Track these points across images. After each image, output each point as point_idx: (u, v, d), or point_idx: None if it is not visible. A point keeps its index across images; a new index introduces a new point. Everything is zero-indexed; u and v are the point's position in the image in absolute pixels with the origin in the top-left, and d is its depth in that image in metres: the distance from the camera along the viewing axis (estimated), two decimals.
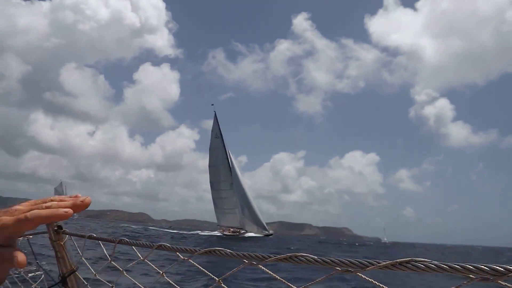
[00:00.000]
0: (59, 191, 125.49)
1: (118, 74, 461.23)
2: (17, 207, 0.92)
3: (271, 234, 61.16)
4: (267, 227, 60.14)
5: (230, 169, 61.48)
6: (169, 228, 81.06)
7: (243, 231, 59.60)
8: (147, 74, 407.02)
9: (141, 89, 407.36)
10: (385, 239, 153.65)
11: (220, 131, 63.54)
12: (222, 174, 62.56)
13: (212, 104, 66.05)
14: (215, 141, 64.01)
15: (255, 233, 58.21)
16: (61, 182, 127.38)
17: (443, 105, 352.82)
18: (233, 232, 60.22)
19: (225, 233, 60.04)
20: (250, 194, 60.92)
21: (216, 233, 60.34)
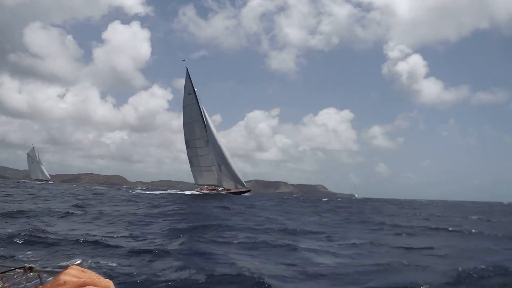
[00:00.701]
0: (31, 156, 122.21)
1: (87, 33, 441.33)
2: (65, 278, 0.91)
3: (249, 190, 60.57)
4: (245, 184, 59.38)
5: (205, 125, 59.72)
6: (146, 190, 79.17)
7: (220, 189, 58.76)
8: (116, 33, 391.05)
9: (111, 48, 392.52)
10: (356, 195, 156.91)
11: (193, 87, 61.15)
12: (197, 131, 60.77)
13: (184, 60, 63.38)
14: (188, 98, 61.69)
15: (232, 189, 57.44)
16: (34, 147, 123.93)
17: (416, 61, 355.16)
18: (210, 190, 59.32)
19: (202, 191, 59.08)
20: (226, 150, 59.69)
21: (194, 192, 59.24)
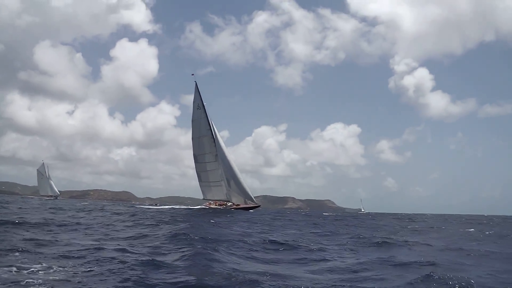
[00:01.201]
0: (41, 171, 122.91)
1: (95, 51, 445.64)
2: None
3: (259, 206, 59.58)
4: (254, 199, 58.44)
5: (214, 140, 59.24)
6: (155, 205, 78.77)
7: (229, 204, 57.96)
8: (124, 50, 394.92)
9: (119, 66, 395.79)
10: (362, 209, 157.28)
11: (202, 101, 60.76)
12: (206, 146, 60.22)
13: (193, 74, 63.73)
14: (197, 112, 61.36)
15: (242, 204, 56.54)
16: (43, 163, 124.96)
17: (422, 75, 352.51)
18: (219, 204, 58.58)
19: (211, 206, 58.38)
20: (235, 165, 58.74)
21: (202, 206, 58.56)
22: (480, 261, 11.43)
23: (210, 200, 61.18)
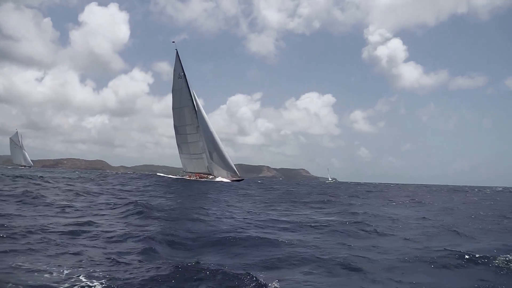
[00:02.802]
0: (14, 141, 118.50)
1: (63, 16, 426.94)
2: None
3: (242, 179, 58.41)
4: (237, 172, 57.05)
5: (196, 111, 57.09)
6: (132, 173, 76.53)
7: (211, 177, 56.51)
8: (93, 15, 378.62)
9: (88, 31, 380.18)
10: (330, 179, 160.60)
11: (183, 70, 58.17)
12: (187, 117, 58.04)
13: (173, 42, 60.58)
14: (178, 82, 58.76)
15: (224, 178, 55.13)
16: (17, 132, 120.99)
17: (396, 46, 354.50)
18: (200, 177, 57.04)
19: (192, 178, 56.77)
20: (218, 136, 56.97)
21: (184, 178, 56.95)
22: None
23: (191, 172, 59.62)
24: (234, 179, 55.17)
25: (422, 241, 9.37)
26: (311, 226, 11.27)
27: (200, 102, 57.09)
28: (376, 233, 10.46)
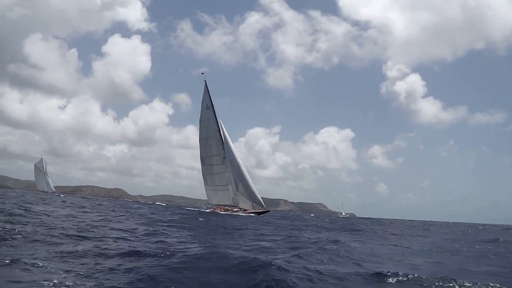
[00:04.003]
0: (39, 167, 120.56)
1: (87, 47, 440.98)
2: None
3: (268, 211, 57.24)
4: (263, 204, 55.99)
5: (223, 142, 56.88)
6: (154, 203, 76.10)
7: (236, 209, 55.53)
8: (116, 46, 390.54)
9: (110, 62, 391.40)
10: (343, 213, 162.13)
11: (211, 101, 58.48)
12: (213, 147, 57.77)
13: (202, 73, 60.67)
14: (206, 112, 58.95)
15: (249, 209, 54.11)
16: (42, 159, 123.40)
17: (414, 81, 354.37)
18: (225, 210, 56.09)
19: (216, 211, 55.82)
20: (244, 167, 56.42)
21: (207, 211, 56.12)
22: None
23: (215, 204, 58.78)
24: (260, 210, 54.17)
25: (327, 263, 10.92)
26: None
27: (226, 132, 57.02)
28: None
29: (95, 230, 15.36)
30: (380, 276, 8.75)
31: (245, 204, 55.40)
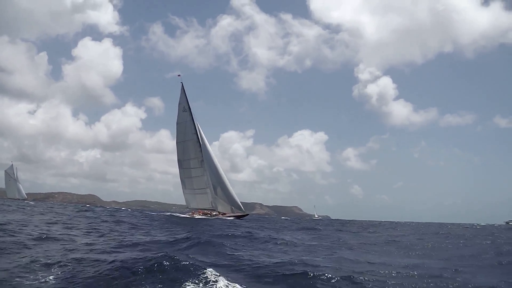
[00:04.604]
0: (9, 174, 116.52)
1: (58, 50, 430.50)
2: None
3: (247, 214, 56.57)
4: (242, 207, 55.30)
5: (200, 144, 56.00)
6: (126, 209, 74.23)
7: (214, 213, 54.65)
8: (87, 49, 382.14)
9: (81, 65, 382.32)
10: (316, 215, 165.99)
11: (188, 104, 57.53)
12: (191, 150, 56.83)
13: (179, 75, 59.59)
14: (183, 115, 57.90)
15: (228, 213, 53.34)
16: (12, 165, 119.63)
17: (385, 84, 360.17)
18: (203, 213, 55.10)
19: (195, 215, 54.74)
20: (222, 171, 55.74)
21: (186, 216, 54.97)
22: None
23: (193, 208, 57.71)
24: (239, 214, 53.45)
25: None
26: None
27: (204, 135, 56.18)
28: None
29: None
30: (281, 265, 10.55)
31: (224, 208, 54.66)
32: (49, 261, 10.02)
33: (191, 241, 15.04)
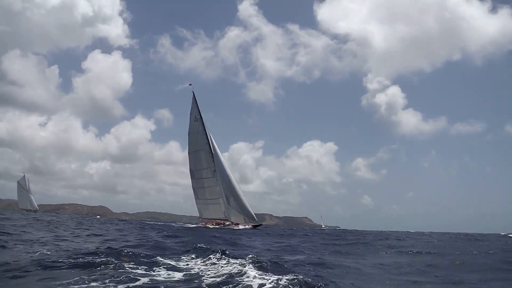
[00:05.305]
0: (22, 184, 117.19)
1: (68, 63, 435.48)
2: None
3: (261, 225, 55.92)
4: (255, 217, 54.65)
5: (212, 154, 55.65)
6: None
7: (228, 223, 54.12)
8: (96, 62, 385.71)
9: (91, 78, 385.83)
10: (323, 225, 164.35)
11: (200, 113, 57.37)
12: (203, 160, 56.49)
13: (190, 84, 59.53)
14: (194, 125, 57.75)
15: (242, 224, 52.73)
16: (24, 176, 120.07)
17: (394, 93, 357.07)
18: (216, 224, 54.64)
19: (208, 225, 54.31)
20: (235, 181, 55.23)
21: (199, 225, 54.52)
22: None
23: (206, 219, 57.22)
24: (252, 224, 52.85)
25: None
26: None
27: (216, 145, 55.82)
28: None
29: None
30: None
31: (237, 218, 54.03)
32: None
33: None
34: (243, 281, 9.06)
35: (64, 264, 10.27)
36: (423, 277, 11.88)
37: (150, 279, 9.12)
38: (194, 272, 10.43)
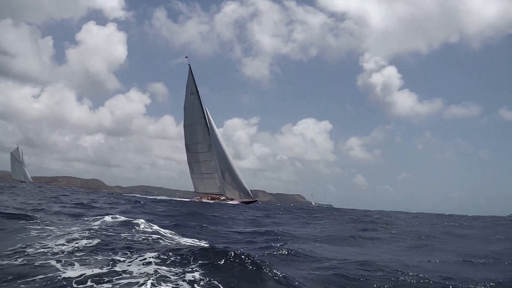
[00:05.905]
0: (15, 156, 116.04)
1: (62, 34, 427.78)
2: None
3: (256, 200, 55.82)
4: (250, 193, 54.47)
5: (208, 129, 54.96)
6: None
7: (223, 198, 53.93)
8: (91, 34, 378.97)
9: (85, 50, 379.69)
10: (313, 203, 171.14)
11: (196, 87, 56.38)
12: (199, 134, 55.86)
13: (186, 57, 58.55)
14: (190, 98, 56.80)
15: (236, 198, 52.57)
16: (18, 147, 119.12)
17: (390, 73, 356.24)
18: (211, 198, 54.45)
19: (203, 200, 54.11)
20: (231, 156, 54.77)
21: (195, 200, 54.29)
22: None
23: (201, 193, 56.99)
24: (247, 200, 52.65)
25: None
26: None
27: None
28: None
29: None
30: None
31: (232, 193, 53.81)
32: None
33: None
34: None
35: None
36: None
37: None
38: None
